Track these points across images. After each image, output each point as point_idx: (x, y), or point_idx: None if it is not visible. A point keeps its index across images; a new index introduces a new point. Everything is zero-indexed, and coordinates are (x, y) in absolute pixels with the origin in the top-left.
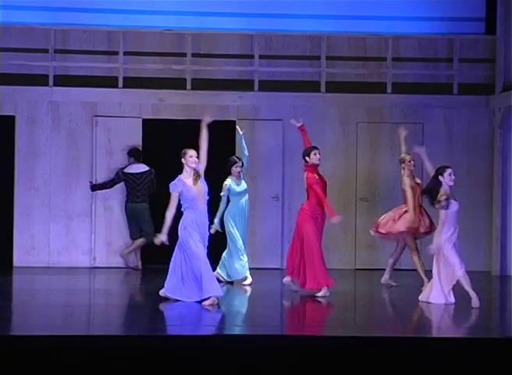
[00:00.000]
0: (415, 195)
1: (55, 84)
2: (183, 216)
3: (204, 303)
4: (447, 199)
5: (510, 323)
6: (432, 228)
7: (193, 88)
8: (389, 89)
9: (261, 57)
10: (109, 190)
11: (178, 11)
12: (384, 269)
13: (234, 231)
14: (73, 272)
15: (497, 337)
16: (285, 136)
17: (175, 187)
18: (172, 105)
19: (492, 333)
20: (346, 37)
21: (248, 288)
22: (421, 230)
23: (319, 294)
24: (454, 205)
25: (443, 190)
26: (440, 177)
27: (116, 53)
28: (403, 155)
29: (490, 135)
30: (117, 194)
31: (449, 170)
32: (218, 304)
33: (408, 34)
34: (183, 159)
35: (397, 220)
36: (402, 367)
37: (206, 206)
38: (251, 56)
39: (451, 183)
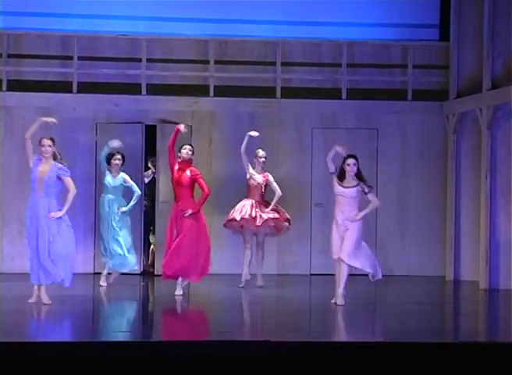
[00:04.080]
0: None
1: (8, 89)
2: None
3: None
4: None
5: (464, 328)
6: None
7: (148, 93)
8: (343, 95)
9: (216, 62)
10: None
11: (133, 16)
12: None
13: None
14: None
15: (451, 341)
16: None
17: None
18: (126, 110)
19: (445, 338)
20: (301, 43)
21: None
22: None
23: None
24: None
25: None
26: (343, 166)
27: (71, 58)
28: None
29: (444, 141)
30: None
31: (348, 160)
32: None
33: (363, 40)
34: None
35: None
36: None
37: (45, 194)
38: (207, 62)
39: (351, 173)
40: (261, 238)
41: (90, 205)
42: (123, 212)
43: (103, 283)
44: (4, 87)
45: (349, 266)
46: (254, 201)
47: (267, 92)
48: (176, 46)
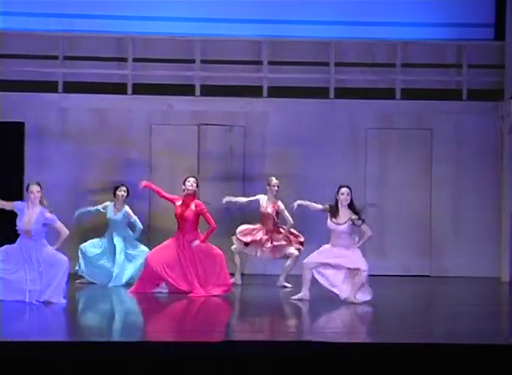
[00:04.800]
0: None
1: (64, 91)
2: None
3: None
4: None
5: None
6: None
7: (202, 94)
8: (397, 95)
9: (269, 63)
10: None
11: (187, 17)
12: (398, 276)
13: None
14: None
15: (504, 343)
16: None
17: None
18: (180, 112)
19: (498, 340)
20: (354, 43)
21: None
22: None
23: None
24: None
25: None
26: (336, 196)
27: (125, 60)
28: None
29: (499, 141)
30: None
31: (341, 190)
32: None
33: (417, 40)
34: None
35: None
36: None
37: (34, 239)
38: (260, 62)
39: (344, 203)
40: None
41: (145, 205)
42: (129, 244)
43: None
44: (60, 88)
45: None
46: (265, 230)
47: (320, 93)
48: (230, 47)
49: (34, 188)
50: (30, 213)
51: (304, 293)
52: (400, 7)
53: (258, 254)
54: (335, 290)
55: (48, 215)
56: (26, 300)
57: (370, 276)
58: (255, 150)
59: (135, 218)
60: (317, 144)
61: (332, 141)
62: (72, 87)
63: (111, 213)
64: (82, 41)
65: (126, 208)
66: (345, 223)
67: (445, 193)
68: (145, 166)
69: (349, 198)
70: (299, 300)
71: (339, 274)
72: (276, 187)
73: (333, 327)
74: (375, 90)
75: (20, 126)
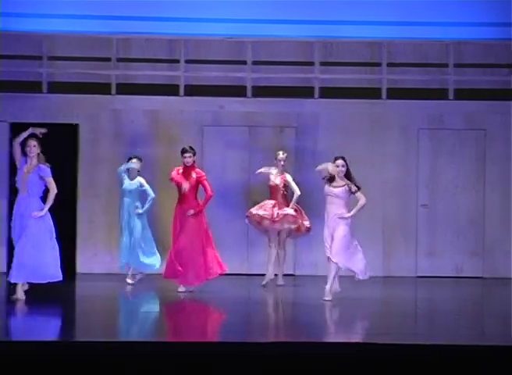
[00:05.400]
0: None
1: (117, 93)
2: None
3: None
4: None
5: None
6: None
7: (253, 96)
8: (450, 95)
9: (321, 64)
10: None
11: (239, 18)
12: (450, 277)
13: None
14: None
15: None
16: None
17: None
18: (232, 113)
19: None
20: (406, 43)
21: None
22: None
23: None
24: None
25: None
26: None
27: (177, 61)
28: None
29: None
30: None
31: (336, 162)
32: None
33: (469, 40)
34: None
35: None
36: None
37: (29, 195)
38: (311, 63)
39: (340, 174)
40: (282, 238)
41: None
42: (140, 214)
43: (130, 281)
44: (113, 90)
45: (335, 263)
46: (275, 202)
47: (372, 93)
48: (281, 48)
49: (31, 142)
50: (28, 166)
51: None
52: (452, 7)
53: (268, 224)
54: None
55: (44, 167)
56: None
57: (421, 277)
58: (306, 151)
59: (147, 187)
60: (368, 144)
61: (383, 141)
62: (125, 89)
63: (126, 183)
64: (135, 43)
65: (139, 178)
66: (341, 186)
67: (498, 194)
68: (199, 165)
69: (344, 169)
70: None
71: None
72: (283, 162)
73: (383, 328)
74: (428, 90)
75: (75, 127)
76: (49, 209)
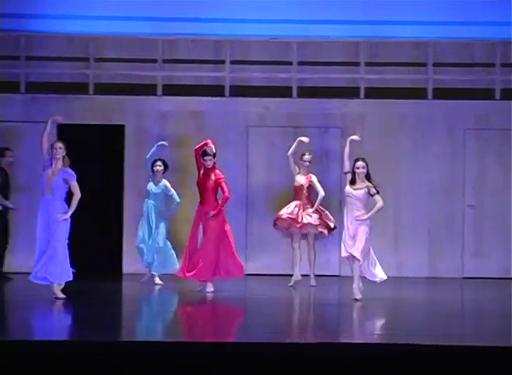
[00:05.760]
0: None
1: (163, 94)
2: None
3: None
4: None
5: None
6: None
7: (298, 96)
8: (497, 95)
9: (366, 64)
10: None
11: (283, 19)
12: (497, 278)
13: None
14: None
15: None
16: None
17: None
18: (277, 114)
19: None
20: (452, 43)
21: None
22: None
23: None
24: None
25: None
26: (353, 169)
27: (223, 62)
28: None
29: None
30: None
31: (357, 163)
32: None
33: None
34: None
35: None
36: None
37: (53, 198)
38: (357, 63)
39: (361, 175)
40: (310, 240)
41: (242, 206)
42: (163, 218)
43: (158, 281)
44: (159, 91)
45: (358, 260)
46: (299, 203)
47: (418, 93)
48: (327, 48)
49: (58, 144)
50: (54, 168)
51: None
52: (498, 6)
53: (294, 229)
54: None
55: (69, 170)
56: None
57: (467, 278)
58: (352, 152)
59: (173, 191)
60: (414, 145)
61: (429, 142)
62: (171, 90)
63: (151, 186)
64: (181, 44)
65: (165, 181)
66: (361, 189)
67: None
68: (242, 167)
69: (365, 171)
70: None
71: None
72: (307, 163)
73: (428, 329)
74: (474, 90)
75: (121, 128)
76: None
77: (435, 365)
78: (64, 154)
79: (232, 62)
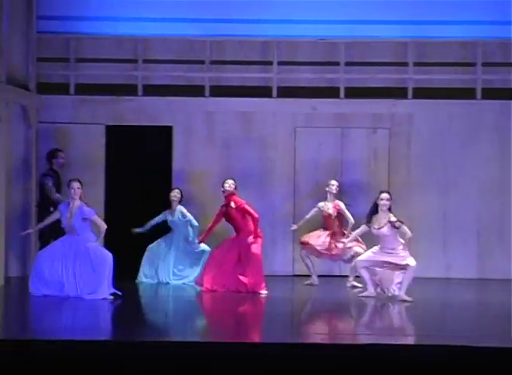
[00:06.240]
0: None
1: (211, 95)
2: None
3: None
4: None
5: None
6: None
7: (346, 97)
8: None
9: (414, 64)
10: None
11: (331, 20)
12: None
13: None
14: None
15: None
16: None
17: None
18: (324, 114)
19: None
20: (501, 43)
21: None
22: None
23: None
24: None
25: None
26: (377, 200)
27: (270, 63)
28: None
29: None
30: None
31: (382, 195)
32: None
33: None
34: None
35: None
36: None
37: (79, 234)
38: (405, 64)
39: (384, 208)
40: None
41: (290, 209)
42: (187, 244)
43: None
44: (206, 92)
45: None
46: (330, 232)
47: (466, 93)
48: (374, 49)
49: (75, 184)
50: (71, 209)
51: (370, 291)
52: None
53: (326, 257)
54: (384, 289)
55: (86, 208)
56: (64, 293)
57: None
58: (400, 153)
59: (189, 216)
60: (462, 145)
61: (478, 142)
62: (218, 91)
63: (168, 216)
64: (228, 45)
65: (180, 208)
66: (384, 225)
67: None
68: (289, 168)
69: (388, 204)
70: (366, 296)
71: (387, 273)
72: (334, 189)
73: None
74: None
75: (169, 129)
76: None
77: (484, 365)
78: (81, 192)
79: (280, 63)
